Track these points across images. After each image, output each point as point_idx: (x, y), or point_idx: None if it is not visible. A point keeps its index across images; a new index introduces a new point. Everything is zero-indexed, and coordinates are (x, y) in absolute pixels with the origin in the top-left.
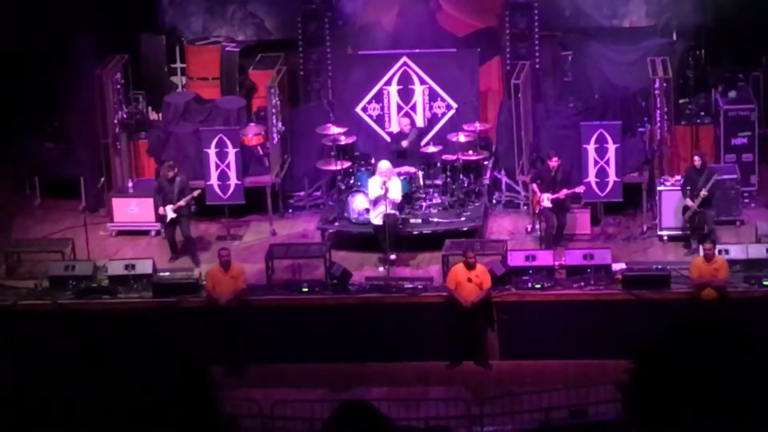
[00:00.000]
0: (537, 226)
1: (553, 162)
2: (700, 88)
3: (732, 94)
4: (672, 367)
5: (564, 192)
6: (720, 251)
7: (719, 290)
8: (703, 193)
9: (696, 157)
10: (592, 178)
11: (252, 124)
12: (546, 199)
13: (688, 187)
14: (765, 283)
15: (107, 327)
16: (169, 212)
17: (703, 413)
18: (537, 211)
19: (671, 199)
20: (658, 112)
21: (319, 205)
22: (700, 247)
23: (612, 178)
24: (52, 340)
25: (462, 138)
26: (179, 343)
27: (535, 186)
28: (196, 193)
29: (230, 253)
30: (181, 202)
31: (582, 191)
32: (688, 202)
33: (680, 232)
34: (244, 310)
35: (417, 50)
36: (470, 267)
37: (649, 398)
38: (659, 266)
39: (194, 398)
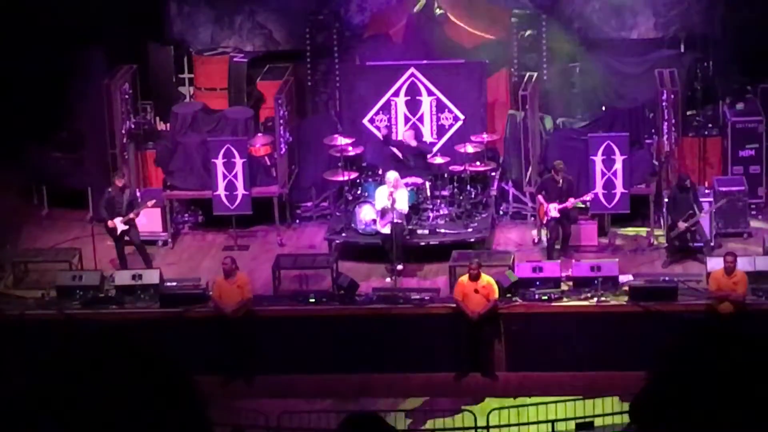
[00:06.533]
0: (544, 238)
1: (558, 173)
2: (708, 100)
3: (740, 106)
4: (686, 381)
5: (572, 201)
6: None
7: (736, 305)
8: (705, 211)
9: (683, 178)
10: (599, 189)
11: (260, 134)
12: (553, 209)
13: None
14: None
15: (89, 339)
16: (120, 225)
17: (716, 428)
18: (544, 222)
19: None
20: (666, 123)
21: (327, 216)
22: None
23: (619, 189)
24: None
25: (469, 149)
26: (166, 354)
27: (540, 197)
28: (150, 203)
29: (233, 261)
30: (132, 215)
31: (590, 198)
32: (681, 225)
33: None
34: (250, 321)
35: (425, 61)
36: (474, 278)
37: (661, 412)
38: (666, 278)
39: (180, 411)
